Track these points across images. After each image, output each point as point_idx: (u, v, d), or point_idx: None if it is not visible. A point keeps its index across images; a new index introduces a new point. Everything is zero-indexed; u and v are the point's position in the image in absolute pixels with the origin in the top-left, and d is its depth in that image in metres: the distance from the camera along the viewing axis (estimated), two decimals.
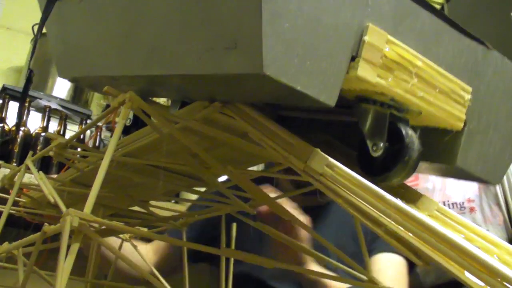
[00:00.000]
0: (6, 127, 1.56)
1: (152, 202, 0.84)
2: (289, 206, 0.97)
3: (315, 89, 0.40)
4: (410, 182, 1.35)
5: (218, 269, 0.81)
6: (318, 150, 0.43)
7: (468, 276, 0.36)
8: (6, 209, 0.62)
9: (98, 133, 1.66)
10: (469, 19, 0.49)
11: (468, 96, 0.50)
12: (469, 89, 0.50)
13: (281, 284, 1.14)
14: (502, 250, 0.47)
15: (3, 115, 1.57)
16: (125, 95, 0.51)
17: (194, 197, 1.29)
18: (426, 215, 0.51)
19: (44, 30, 0.68)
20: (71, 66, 0.68)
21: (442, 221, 0.52)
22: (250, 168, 0.74)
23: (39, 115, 1.64)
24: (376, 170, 0.48)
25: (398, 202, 0.40)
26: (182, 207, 1.51)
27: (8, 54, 2.01)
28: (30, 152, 0.69)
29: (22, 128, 1.57)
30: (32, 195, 0.82)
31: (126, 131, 1.38)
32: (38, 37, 0.70)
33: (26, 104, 1.60)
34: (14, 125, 1.57)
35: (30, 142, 1.57)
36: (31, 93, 1.66)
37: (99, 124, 1.60)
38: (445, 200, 1.34)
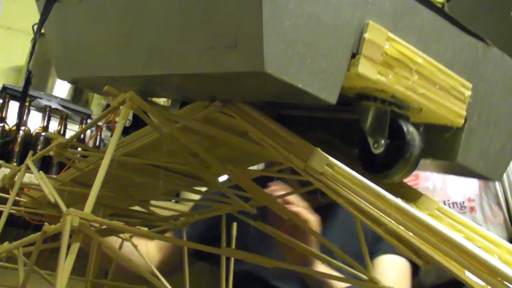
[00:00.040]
0: (7, 127, 1.56)
1: (153, 202, 0.84)
2: (301, 206, 0.97)
3: (316, 86, 0.40)
4: (410, 181, 1.35)
5: (219, 269, 0.81)
6: (319, 149, 0.43)
7: (468, 276, 0.36)
8: (7, 209, 0.62)
9: (99, 133, 1.66)
10: (469, 18, 0.49)
11: (468, 93, 0.50)
12: (469, 85, 0.50)
13: (285, 284, 1.13)
14: (503, 249, 0.47)
15: (3, 115, 1.57)
16: (125, 95, 0.51)
17: (194, 196, 1.29)
18: (426, 214, 0.51)
19: (43, 31, 0.68)
20: (71, 67, 0.68)
21: (443, 221, 0.52)
22: (250, 168, 0.74)
23: (40, 114, 1.64)
24: (377, 167, 0.48)
25: (399, 201, 0.40)
26: (183, 207, 1.51)
27: (8, 53, 2.01)
28: (31, 152, 0.69)
29: (23, 128, 1.57)
30: (33, 194, 0.82)
31: (126, 132, 1.38)
32: (37, 39, 0.69)
33: (27, 104, 1.60)
34: (15, 125, 1.57)
35: (30, 141, 1.57)
36: (31, 92, 1.66)
37: (99, 123, 1.60)
38: (446, 200, 1.34)
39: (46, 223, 0.44)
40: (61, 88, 1.82)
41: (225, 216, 0.79)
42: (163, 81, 0.53)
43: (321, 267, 0.98)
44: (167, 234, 1.21)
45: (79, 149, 0.74)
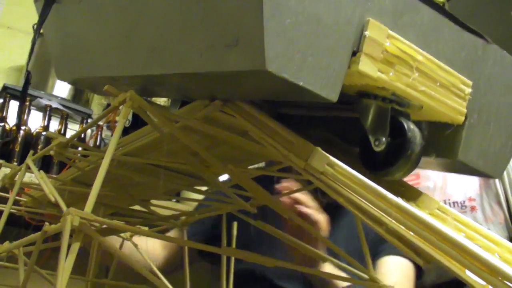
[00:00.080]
0: (7, 127, 1.57)
1: (153, 201, 0.84)
2: (311, 206, 0.97)
3: (317, 84, 0.40)
4: (411, 181, 1.35)
5: (220, 268, 0.81)
6: (319, 148, 0.43)
7: (469, 275, 0.36)
8: (7, 208, 0.62)
9: (99, 132, 1.66)
10: (469, 18, 0.49)
11: (468, 90, 0.50)
12: (469, 83, 0.50)
13: (288, 283, 1.13)
14: (503, 248, 0.47)
15: (3, 115, 1.57)
16: (125, 94, 0.51)
17: (195, 196, 1.29)
18: (427, 213, 0.51)
19: (42, 31, 0.68)
20: (70, 68, 0.68)
21: (443, 220, 0.52)
22: (251, 167, 0.74)
23: (40, 114, 1.64)
24: (378, 165, 0.48)
25: (399, 200, 0.40)
26: (183, 206, 1.51)
27: (9, 53, 2.01)
28: (31, 151, 0.69)
29: (23, 127, 1.57)
30: (33, 194, 0.82)
31: (125, 132, 1.38)
32: (36, 39, 0.69)
33: (27, 103, 1.60)
34: (15, 125, 1.58)
35: (31, 141, 1.57)
36: (32, 92, 1.66)
37: (100, 123, 1.60)
38: (446, 199, 1.34)
39: (46, 223, 0.44)
40: (62, 88, 1.82)
41: (225, 216, 0.79)
42: (163, 80, 0.53)
43: (327, 267, 0.98)
44: (173, 232, 1.21)
45: (80, 148, 0.74)
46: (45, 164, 1.53)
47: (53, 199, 0.54)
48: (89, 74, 0.63)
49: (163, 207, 0.88)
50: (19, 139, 1.55)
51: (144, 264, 0.97)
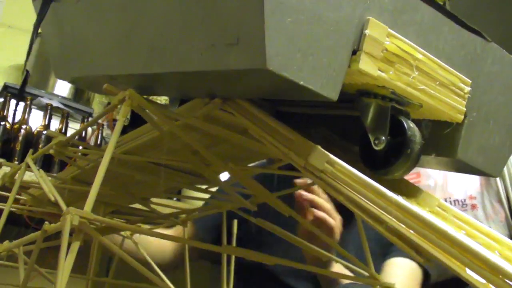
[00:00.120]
0: (8, 125, 1.57)
1: (153, 199, 0.84)
2: (326, 209, 0.96)
3: (317, 83, 0.40)
4: (411, 179, 1.35)
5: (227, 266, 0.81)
6: (319, 146, 0.42)
7: (469, 273, 0.36)
8: (7, 207, 0.62)
9: (100, 131, 1.66)
10: (469, 18, 0.49)
11: (467, 89, 0.50)
12: (469, 81, 0.50)
13: (295, 280, 1.13)
14: (504, 246, 0.47)
15: (4, 113, 1.58)
16: (125, 93, 0.51)
17: (195, 194, 1.29)
18: (427, 211, 0.51)
19: (41, 30, 0.68)
20: (69, 67, 0.67)
21: (444, 217, 0.52)
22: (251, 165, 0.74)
23: (41, 113, 1.64)
24: (378, 164, 0.48)
25: (399, 199, 0.40)
26: (184, 205, 1.51)
27: (9, 52, 2.00)
28: (30, 150, 0.69)
29: (24, 126, 1.57)
30: (33, 193, 0.82)
31: (124, 131, 1.38)
32: (34, 39, 0.69)
33: (28, 102, 1.60)
34: (16, 123, 1.58)
35: (31, 140, 1.57)
36: (32, 91, 1.66)
37: (100, 121, 1.60)
38: (447, 197, 1.34)
39: (46, 222, 0.44)
40: (63, 87, 1.82)
41: (225, 214, 0.79)
42: (162, 79, 0.52)
43: (336, 267, 0.98)
44: (179, 227, 1.20)
45: (80, 147, 0.74)
46: (46, 163, 1.53)
47: (52, 198, 0.54)
48: (88, 73, 0.63)
49: (164, 205, 0.88)
50: (20, 138, 1.55)
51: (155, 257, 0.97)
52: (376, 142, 0.46)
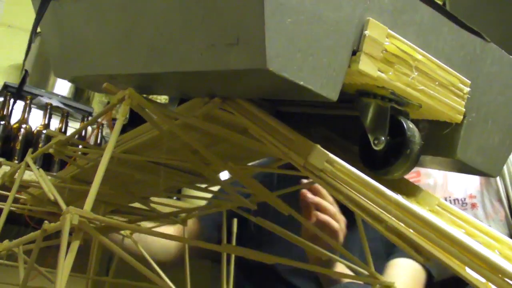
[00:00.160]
0: (8, 125, 1.57)
1: (153, 199, 0.84)
2: (332, 212, 0.96)
3: (317, 84, 0.40)
4: (411, 178, 1.35)
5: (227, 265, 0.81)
6: (318, 146, 0.43)
7: (469, 272, 0.36)
8: (7, 207, 0.62)
9: (100, 130, 1.66)
10: (469, 18, 0.49)
11: (467, 89, 0.50)
12: (468, 82, 0.50)
13: (297, 279, 1.13)
14: (504, 245, 0.47)
15: (4, 113, 1.58)
16: (124, 92, 0.51)
17: (195, 193, 1.29)
18: (427, 210, 0.51)
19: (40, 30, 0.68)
20: (68, 66, 0.67)
21: (443, 216, 0.52)
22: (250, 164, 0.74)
23: (41, 112, 1.64)
24: (377, 164, 0.48)
25: (399, 197, 0.40)
26: (183, 204, 1.51)
27: (9, 51, 2.01)
28: (30, 150, 0.69)
29: (24, 126, 1.58)
30: (33, 192, 0.82)
31: (123, 130, 1.38)
32: (33, 38, 0.69)
33: (28, 102, 1.60)
34: (16, 123, 1.58)
35: (31, 139, 1.58)
36: (32, 90, 1.66)
37: (99, 120, 1.60)
38: (447, 196, 1.34)
39: (46, 221, 0.44)
40: (62, 86, 1.82)
41: (225, 213, 0.79)
42: (162, 78, 0.52)
43: (339, 267, 0.98)
44: (191, 221, 1.21)
45: (80, 146, 0.74)
46: (46, 162, 1.53)
47: (52, 197, 0.54)
48: (88, 72, 0.63)
49: (164, 204, 0.88)
50: (20, 137, 1.55)
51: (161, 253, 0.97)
52: (376, 142, 0.46)
